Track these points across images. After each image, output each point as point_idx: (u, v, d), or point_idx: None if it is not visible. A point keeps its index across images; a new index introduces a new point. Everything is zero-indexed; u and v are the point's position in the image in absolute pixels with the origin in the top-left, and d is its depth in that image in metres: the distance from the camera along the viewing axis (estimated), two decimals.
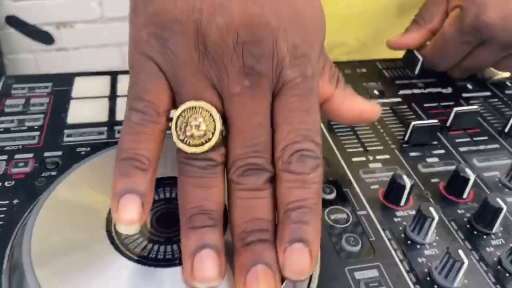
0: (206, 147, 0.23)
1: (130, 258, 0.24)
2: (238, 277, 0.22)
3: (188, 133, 0.23)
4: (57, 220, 0.26)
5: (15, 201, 0.29)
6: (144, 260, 0.24)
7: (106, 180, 0.29)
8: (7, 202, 0.29)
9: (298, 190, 0.23)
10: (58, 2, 1.27)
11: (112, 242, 0.25)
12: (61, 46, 1.35)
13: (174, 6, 0.23)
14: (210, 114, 0.23)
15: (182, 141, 0.23)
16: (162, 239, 0.26)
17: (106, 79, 0.42)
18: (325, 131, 0.38)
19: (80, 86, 0.41)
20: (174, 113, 0.24)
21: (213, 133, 0.23)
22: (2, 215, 0.28)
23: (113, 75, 0.42)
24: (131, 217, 0.22)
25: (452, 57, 0.43)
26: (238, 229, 0.23)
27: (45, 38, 1.32)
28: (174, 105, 0.25)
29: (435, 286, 0.26)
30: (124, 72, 0.43)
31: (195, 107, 0.24)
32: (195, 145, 0.23)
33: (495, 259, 0.28)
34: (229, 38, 0.23)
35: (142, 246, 0.25)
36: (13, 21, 1.28)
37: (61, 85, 0.41)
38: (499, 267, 0.28)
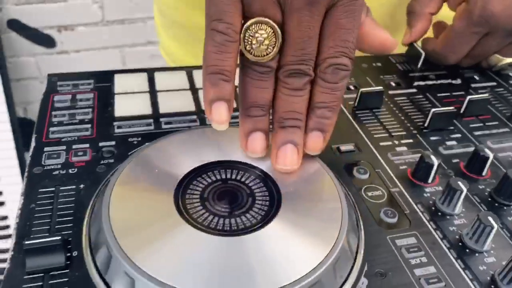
0: (266, 58, 0.29)
1: (196, 228, 0.27)
2: (272, 151, 0.31)
3: (254, 46, 0.28)
4: (129, 197, 0.29)
5: (82, 186, 0.32)
6: (208, 229, 0.27)
7: (169, 161, 0.32)
8: (74, 187, 0.32)
9: (326, 95, 0.30)
10: (59, 5, 1.28)
11: (181, 214, 0.28)
12: (62, 49, 1.36)
13: None
14: (273, 30, 0.28)
15: (248, 51, 0.29)
16: (222, 213, 0.29)
17: (144, 76, 0.45)
18: (352, 120, 0.41)
19: (120, 83, 0.43)
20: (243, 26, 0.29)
21: (273, 47, 0.29)
22: (72, 198, 0.31)
23: (149, 72, 0.45)
24: (222, 118, 0.29)
25: (462, 48, 0.47)
26: (278, 115, 0.30)
27: (46, 41, 1.33)
28: None
29: (467, 250, 0.30)
30: (159, 69, 0.46)
31: (261, 23, 0.28)
32: (258, 56, 0.29)
33: None
34: None
35: (208, 219, 0.28)
36: (15, 25, 1.29)
37: (102, 82, 0.43)
38: None
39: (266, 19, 0.28)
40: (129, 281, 0.25)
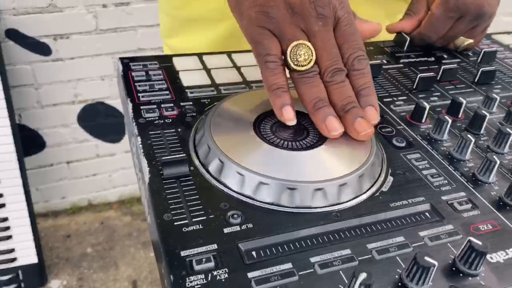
0: (311, 64, 0.41)
1: (269, 144, 0.40)
2: (349, 128, 0.40)
3: (299, 59, 0.40)
4: (223, 128, 0.41)
5: (179, 129, 0.43)
6: (275, 145, 0.40)
7: (246, 106, 0.44)
8: (174, 130, 0.43)
9: (361, 79, 0.41)
10: (55, 15, 1.37)
11: (258, 135, 0.40)
12: (57, 57, 1.44)
13: None
14: (307, 46, 0.41)
15: (296, 65, 0.40)
16: (287, 139, 0.41)
17: (195, 58, 0.56)
18: None
19: (179, 63, 0.55)
20: (287, 51, 0.40)
21: (311, 57, 0.41)
22: (175, 136, 0.42)
23: (198, 55, 0.57)
24: (291, 116, 0.40)
25: (441, 29, 0.61)
26: (339, 106, 0.40)
27: (42, 49, 1.41)
28: None
29: (454, 160, 0.43)
30: (206, 54, 0.58)
31: (298, 44, 0.40)
32: (304, 65, 0.41)
33: (485, 146, 0.46)
34: (305, 1, 0.40)
35: (273, 139, 0.40)
36: (13, 34, 1.36)
37: (165, 63, 0.55)
38: (489, 149, 0.46)
39: (301, 41, 0.40)
40: (239, 177, 0.37)
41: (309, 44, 0.40)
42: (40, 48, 1.41)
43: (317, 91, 0.40)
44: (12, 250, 1.43)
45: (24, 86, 1.46)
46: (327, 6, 0.41)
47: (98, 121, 1.61)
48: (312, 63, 0.40)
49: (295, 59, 0.40)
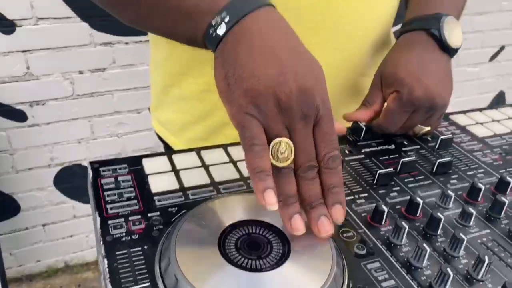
0: (288, 162, 0.43)
1: (233, 265, 0.41)
2: (313, 224, 0.43)
3: (280, 156, 0.43)
4: (188, 251, 0.42)
5: (145, 247, 0.44)
6: (238, 266, 0.41)
7: (208, 220, 0.45)
8: (140, 248, 0.44)
9: (333, 177, 0.44)
10: (32, 83, 1.38)
11: (222, 254, 0.42)
12: (33, 122, 1.44)
13: (259, 85, 0.43)
14: (288, 144, 0.43)
15: (276, 160, 0.43)
16: (251, 257, 0.42)
17: (164, 158, 0.58)
18: None
19: (148, 165, 0.56)
20: (269, 144, 0.43)
21: (290, 155, 0.43)
22: (142, 256, 0.43)
23: (168, 155, 0.59)
24: (273, 201, 0.41)
25: (397, 122, 0.65)
26: (307, 201, 0.44)
27: (18, 116, 1.41)
28: None
29: (412, 267, 0.45)
30: (176, 152, 0.59)
31: (281, 141, 0.43)
32: (283, 162, 0.43)
33: (441, 249, 0.48)
34: (292, 100, 0.43)
35: (238, 258, 0.42)
36: None
37: (134, 165, 0.56)
38: (445, 252, 0.48)
39: (283, 139, 0.43)
40: None
41: (290, 142, 0.43)
42: (16, 114, 1.41)
43: (290, 188, 0.43)
44: None
45: None
46: (312, 107, 0.43)
47: (75, 183, 1.60)
48: (290, 161, 0.43)
49: (275, 155, 0.43)
